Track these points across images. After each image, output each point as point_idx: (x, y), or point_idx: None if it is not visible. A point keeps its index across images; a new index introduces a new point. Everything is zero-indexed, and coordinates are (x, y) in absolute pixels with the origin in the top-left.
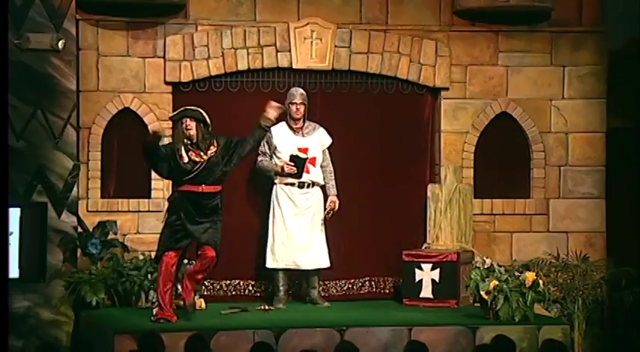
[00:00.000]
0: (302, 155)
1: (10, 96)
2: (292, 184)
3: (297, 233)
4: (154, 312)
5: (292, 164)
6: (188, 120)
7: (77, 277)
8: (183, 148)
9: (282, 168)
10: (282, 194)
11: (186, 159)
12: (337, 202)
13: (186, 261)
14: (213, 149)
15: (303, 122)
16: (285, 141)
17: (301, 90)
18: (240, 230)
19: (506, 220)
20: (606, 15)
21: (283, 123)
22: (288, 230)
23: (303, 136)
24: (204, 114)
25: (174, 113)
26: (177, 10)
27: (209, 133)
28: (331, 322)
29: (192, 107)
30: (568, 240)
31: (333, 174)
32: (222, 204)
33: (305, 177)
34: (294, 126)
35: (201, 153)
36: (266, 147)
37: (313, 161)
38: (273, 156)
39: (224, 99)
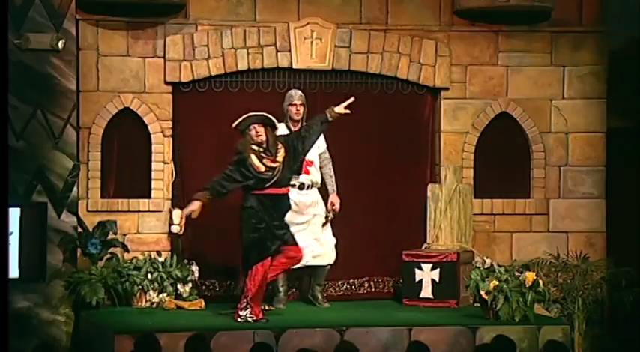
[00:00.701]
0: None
1: (10, 96)
2: (292, 185)
3: (298, 232)
4: (245, 314)
5: None
6: (257, 126)
7: (77, 277)
8: (255, 157)
9: None
10: None
11: (262, 168)
12: (338, 201)
13: (186, 261)
14: (282, 151)
15: (302, 124)
16: None
17: (300, 92)
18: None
19: (506, 220)
20: (606, 15)
21: (282, 125)
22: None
23: None
24: (271, 116)
25: (240, 121)
26: (177, 10)
27: (274, 136)
28: (331, 322)
29: (256, 113)
30: (568, 240)
31: (333, 177)
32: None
33: (304, 178)
34: (293, 128)
35: (275, 158)
36: None
37: (310, 162)
38: None
39: (224, 99)
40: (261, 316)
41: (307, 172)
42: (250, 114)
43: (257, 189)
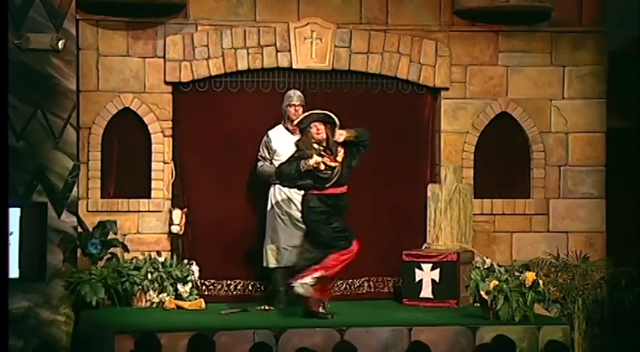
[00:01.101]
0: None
1: (10, 96)
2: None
3: (298, 232)
4: (304, 282)
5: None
6: (317, 124)
7: (77, 277)
8: (315, 156)
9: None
10: (282, 194)
11: (323, 167)
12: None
13: (186, 261)
14: (341, 150)
15: None
16: (283, 143)
17: (299, 93)
18: (240, 230)
19: (506, 220)
20: (606, 15)
21: (280, 126)
22: (288, 230)
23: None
24: (333, 115)
25: (302, 118)
26: (177, 10)
27: (332, 132)
28: (331, 322)
29: (317, 111)
30: (568, 240)
31: None
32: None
33: None
34: (291, 128)
35: (336, 157)
36: (265, 151)
37: None
38: (273, 161)
39: (224, 99)
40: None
41: None
42: (312, 112)
43: (317, 188)
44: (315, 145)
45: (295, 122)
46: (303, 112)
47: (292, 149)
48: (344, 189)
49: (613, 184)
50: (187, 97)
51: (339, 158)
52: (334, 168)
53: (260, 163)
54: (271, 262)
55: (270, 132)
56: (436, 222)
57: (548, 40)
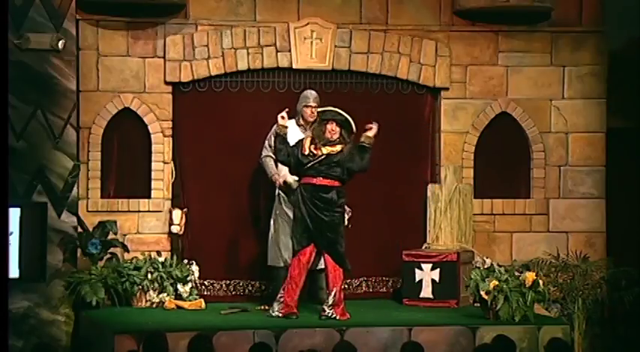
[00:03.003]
0: (294, 184)
1: (10, 96)
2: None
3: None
4: (277, 308)
5: (284, 188)
6: (335, 124)
7: (77, 277)
8: (309, 140)
9: (279, 184)
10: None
11: (307, 151)
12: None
13: (186, 261)
14: (339, 147)
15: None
16: (295, 138)
17: (315, 94)
18: (240, 230)
19: (506, 220)
20: (606, 15)
21: (293, 122)
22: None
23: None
24: (352, 121)
25: (326, 109)
26: (177, 10)
27: (345, 136)
28: (331, 322)
29: (341, 111)
30: (568, 240)
31: None
32: (341, 199)
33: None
34: (305, 127)
35: (322, 148)
36: (273, 140)
37: None
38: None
39: (224, 99)
40: (293, 311)
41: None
42: (338, 110)
43: (302, 175)
44: (321, 136)
45: (320, 109)
46: (318, 113)
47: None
48: (327, 182)
49: (613, 184)
50: (187, 97)
51: (326, 151)
52: (315, 156)
53: (264, 152)
54: (274, 261)
55: (289, 125)
56: (436, 222)
57: (548, 40)
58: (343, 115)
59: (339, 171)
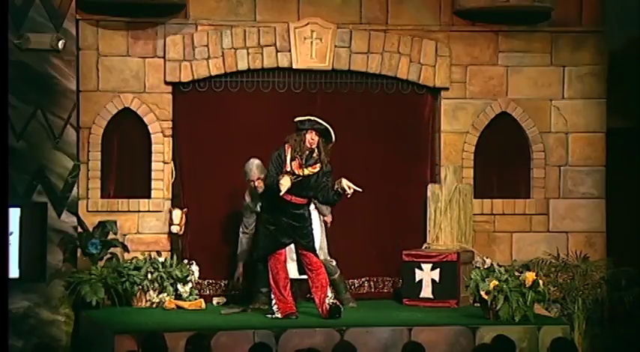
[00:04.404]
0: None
1: (10, 96)
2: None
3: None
4: (275, 309)
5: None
6: (314, 133)
7: (77, 277)
8: (289, 155)
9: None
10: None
11: (288, 168)
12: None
13: (186, 261)
14: (317, 168)
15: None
16: None
17: (257, 162)
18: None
19: (506, 220)
20: (606, 15)
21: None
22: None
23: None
24: (332, 131)
25: (305, 119)
26: (177, 10)
27: (322, 151)
28: (331, 322)
29: (320, 120)
30: (568, 240)
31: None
32: (309, 212)
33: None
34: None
35: (304, 168)
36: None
37: None
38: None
39: (224, 99)
40: (292, 310)
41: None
42: (317, 119)
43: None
44: (301, 148)
45: (297, 118)
46: (264, 182)
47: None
48: (298, 200)
49: (613, 184)
50: (187, 97)
51: (307, 172)
52: (295, 175)
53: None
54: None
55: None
56: (436, 222)
57: (548, 40)
58: (322, 124)
59: (311, 193)
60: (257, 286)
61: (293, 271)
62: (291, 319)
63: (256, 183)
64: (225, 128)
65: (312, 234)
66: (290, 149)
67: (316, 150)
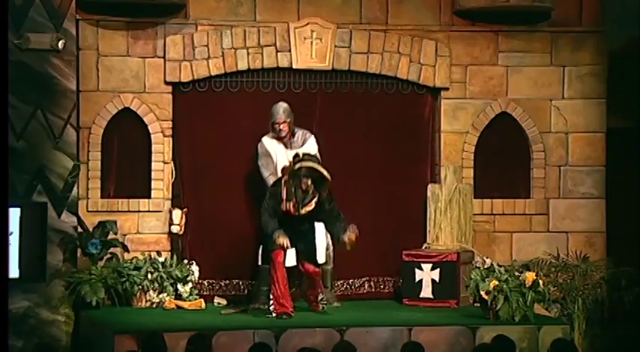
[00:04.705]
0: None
1: (10, 96)
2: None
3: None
4: (272, 308)
5: None
6: (310, 179)
7: (77, 277)
8: (285, 192)
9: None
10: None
11: (284, 208)
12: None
13: (186, 261)
14: (312, 206)
15: (292, 136)
16: (276, 152)
17: (285, 105)
18: (239, 230)
19: (506, 220)
20: (606, 15)
21: (271, 137)
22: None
23: (292, 148)
24: (327, 174)
25: (299, 166)
26: (177, 10)
27: (319, 190)
28: (331, 322)
29: (315, 166)
30: (568, 240)
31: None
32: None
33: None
34: (283, 141)
35: (300, 209)
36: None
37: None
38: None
39: (224, 99)
40: (288, 311)
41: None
42: (314, 165)
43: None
44: (296, 187)
45: (294, 160)
46: (290, 126)
47: (285, 159)
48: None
49: (613, 184)
50: (187, 97)
51: (302, 211)
52: (291, 214)
53: (266, 174)
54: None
55: (267, 144)
56: (436, 222)
57: (548, 40)
58: (318, 171)
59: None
60: (259, 285)
61: (291, 259)
62: (283, 319)
63: (281, 127)
64: (225, 128)
65: (315, 244)
66: (286, 189)
67: (311, 190)
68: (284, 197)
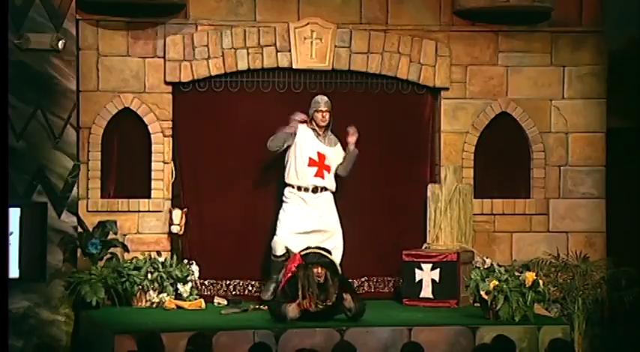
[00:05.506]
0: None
1: (10, 96)
2: (306, 189)
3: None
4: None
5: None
6: (320, 267)
7: (77, 277)
8: (301, 291)
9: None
10: (294, 197)
11: (302, 307)
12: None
13: (186, 261)
14: (329, 302)
15: (327, 129)
16: (307, 140)
17: (326, 98)
18: (240, 230)
19: (506, 220)
20: (606, 15)
21: (304, 126)
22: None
23: (325, 143)
24: (338, 265)
25: (307, 252)
26: (177, 10)
27: (334, 281)
28: (331, 322)
29: (323, 252)
30: (568, 240)
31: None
32: None
33: (318, 181)
34: (319, 131)
35: (318, 303)
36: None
37: (328, 168)
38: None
39: (224, 99)
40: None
41: (322, 176)
42: (322, 252)
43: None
44: (310, 280)
45: (302, 252)
46: (331, 118)
47: (313, 148)
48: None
49: (613, 184)
50: (187, 97)
51: (320, 305)
52: (307, 311)
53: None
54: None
55: (300, 126)
56: (436, 222)
57: (548, 40)
58: (327, 257)
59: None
60: (270, 273)
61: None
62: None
63: (324, 114)
64: (225, 128)
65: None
66: (301, 285)
67: (328, 283)
68: (300, 295)
